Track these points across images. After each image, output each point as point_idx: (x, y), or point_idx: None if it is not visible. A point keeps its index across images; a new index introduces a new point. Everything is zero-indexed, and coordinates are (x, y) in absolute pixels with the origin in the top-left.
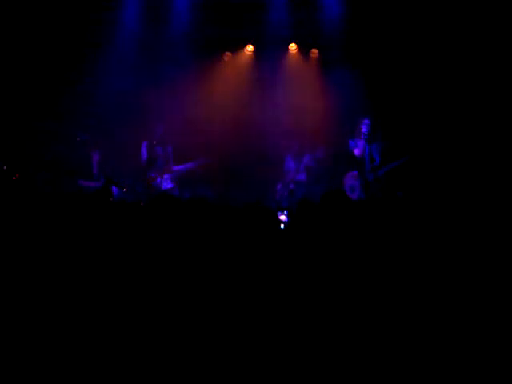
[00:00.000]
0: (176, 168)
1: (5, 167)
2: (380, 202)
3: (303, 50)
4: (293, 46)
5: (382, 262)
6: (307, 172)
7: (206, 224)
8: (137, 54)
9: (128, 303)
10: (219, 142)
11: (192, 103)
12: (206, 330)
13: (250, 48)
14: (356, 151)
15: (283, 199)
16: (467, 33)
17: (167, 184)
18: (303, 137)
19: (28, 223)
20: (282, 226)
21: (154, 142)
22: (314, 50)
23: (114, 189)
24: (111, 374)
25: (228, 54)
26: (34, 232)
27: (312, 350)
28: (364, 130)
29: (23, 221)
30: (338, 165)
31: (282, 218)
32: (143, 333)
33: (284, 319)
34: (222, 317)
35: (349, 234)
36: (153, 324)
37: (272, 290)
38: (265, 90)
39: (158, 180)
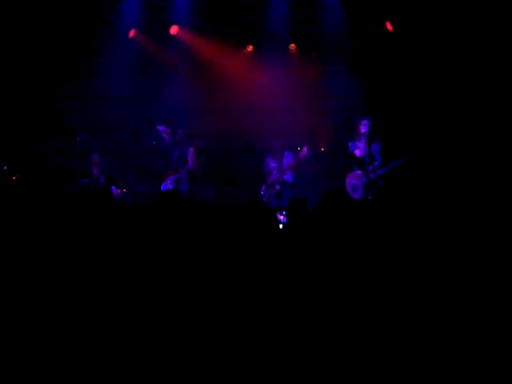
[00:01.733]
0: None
1: (5, 167)
2: (380, 202)
3: (302, 50)
4: (292, 47)
5: (383, 261)
6: (293, 172)
7: (205, 224)
8: (137, 54)
9: (128, 302)
10: (217, 142)
11: (191, 104)
12: (205, 329)
13: (249, 48)
14: (357, 152)
15: (271, 201)
16: (466, 32)
17: (169, 185)
18: (288, 136)
19: (28, 223)
20: (281, 225)
21: (169, 142)
22: (313, 52)
23: (114, 189)
24: (111, 373)
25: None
26: (34, 231)
27: (311, 349)
28: (364, 130)
29: (23, 220)
30: (338, 165)
31: (281, 218)
32: (143, 332)
33: (284, 318)
34: (221, 316)
35: (349, 233)
36: (153, 323)
37: (272, 289)
38: (262, 89)
39: (166, 181)
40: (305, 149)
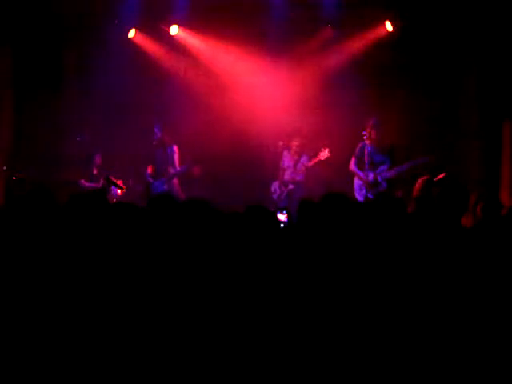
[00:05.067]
0: (174, 171)
1: (4, 167)
2: (380, 203)
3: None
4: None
5: (383, 263)
6: (306, 172)
7: (204, 225)
8: (136, 54)
9: (127, 306)
10: (215, 142)
11: (189, 103)
12: (206, 332)
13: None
14: (366, 153)
15: (281, 200)
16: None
17: (162, 187)
18: (303, 136)
19: (27, 223)
20: (282, 225)
21: (154, 143)
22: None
23: (114, 189)
24: (111, 374)
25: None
26: (32, 232)
27: (311, 351)
28: (373, 132)
29: (22, 221)
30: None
31: (282, 217)
32: (142, 335)
33: (284, 320)
34: (222, 318)
35: (350, 235)
36: (152, 326)
37: (272, 291)
38: (264, 87)
39: (155, 184)
40: (326, 151)
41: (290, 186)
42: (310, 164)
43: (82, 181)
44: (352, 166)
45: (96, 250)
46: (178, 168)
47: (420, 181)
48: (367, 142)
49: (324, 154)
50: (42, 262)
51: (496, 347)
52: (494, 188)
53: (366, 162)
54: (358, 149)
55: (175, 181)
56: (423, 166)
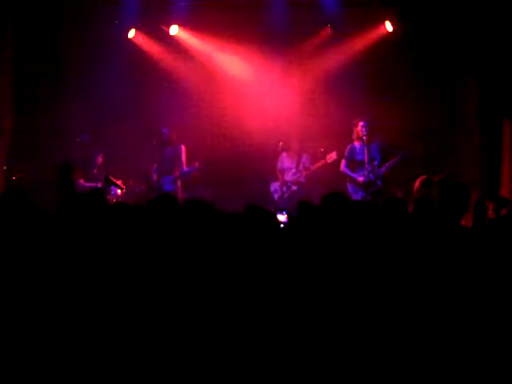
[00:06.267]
0: (181, 171)
1: (4, 167)
2: (380, 203)
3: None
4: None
5: (384, 263)
6: (306, 173)
7: (205, 226)
8: (136, 54)
9: (127, 306)
10: (215, 142)
11: (191, 104)
12: (206, 331)
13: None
14: (356, 153)
15: (283, 200)
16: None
17: (168, 186)
18: (302, 136)
19: (27, 224)
20: (282, 225)
21: (154, 143)
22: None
23: (114, 189)
24: (111, 374)
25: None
26: (32, 233)
27: (311, 350)
28: (362, 131)
29: (22, 222)
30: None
31: (282, 218)
32: (142, 335)
33: (283, 320)
34: (221, 317)
35: (350, 235)
36: (152, 326)
37: (271, 290)
38: (264, 87)
39: (160, 182)
40: (334, 154)
41: (294, 188)
42: (316, 166)
43: (81, 180)
44: (343, 168)
45: (96, 250)
46: (186, 168)
47: (419, 181)
48: (356, 142)
49: (331, 156)
50: (40, 263)
51: (496, 347)
52: (494, 187)
53: (366, 161)
54: (347, 150)
55: (179, 180)
56: (415, 158)
